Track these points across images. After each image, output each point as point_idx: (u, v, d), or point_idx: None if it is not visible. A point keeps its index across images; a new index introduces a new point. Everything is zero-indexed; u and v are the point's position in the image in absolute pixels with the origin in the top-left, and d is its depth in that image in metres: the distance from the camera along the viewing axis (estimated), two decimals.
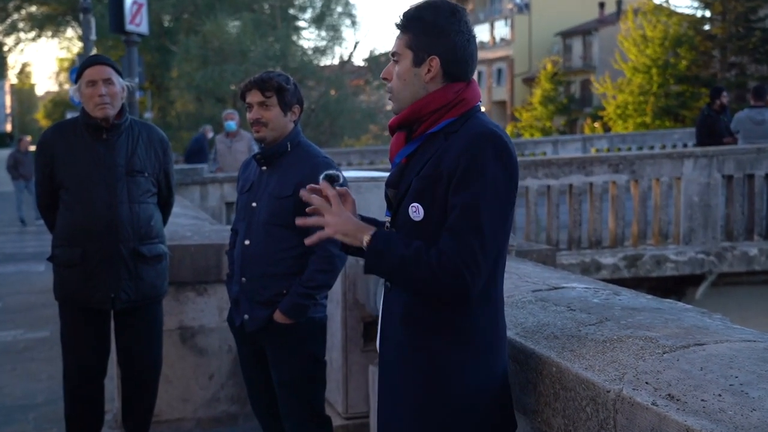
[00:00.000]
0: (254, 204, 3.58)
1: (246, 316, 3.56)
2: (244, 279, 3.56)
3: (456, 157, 2.13)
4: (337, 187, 2.31)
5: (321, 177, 2.34)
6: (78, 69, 4.11)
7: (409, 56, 2.24)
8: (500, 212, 2.14)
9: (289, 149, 3.57)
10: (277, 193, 3.52)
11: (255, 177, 3.64)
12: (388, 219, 2.32)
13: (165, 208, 4.32)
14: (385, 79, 2.31)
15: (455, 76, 2.25)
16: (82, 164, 3.99)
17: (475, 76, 2.35)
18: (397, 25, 2.28)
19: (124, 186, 3.99)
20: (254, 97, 3.53)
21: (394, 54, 2.27)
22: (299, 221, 2.29)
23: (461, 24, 2.24)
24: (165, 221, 4.36)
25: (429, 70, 2.23)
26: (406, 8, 2.29)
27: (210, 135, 15.84)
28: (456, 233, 2.11)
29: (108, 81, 4.00)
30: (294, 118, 3.60)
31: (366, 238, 2.19)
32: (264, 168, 3.61)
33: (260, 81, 3.53)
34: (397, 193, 2.28)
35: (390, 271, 2.20)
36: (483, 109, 2.31)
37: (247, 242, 3.56)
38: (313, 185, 2.33)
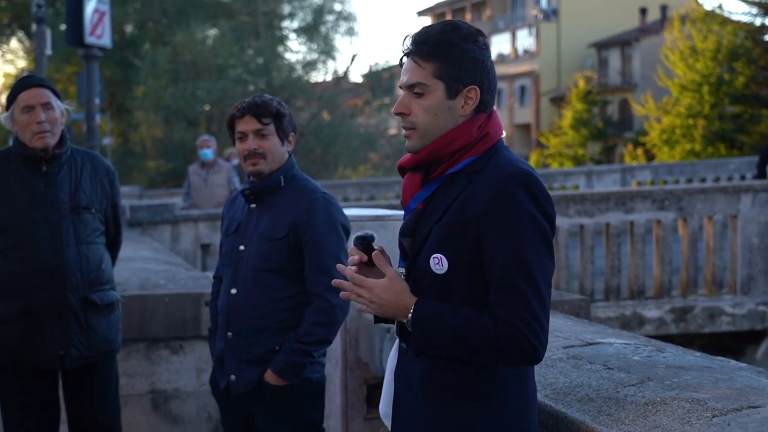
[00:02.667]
0: (242, 247, 3.66)
1: (232, 377, 3.64)
2: (230, 334, 3.64)
3: (485, 201, 2.21)
4: (375, 247, 2.39)
5: (354, 242, 2.41)
6: (10, 92, 4.13)
7: (441, 88, 2.30)
8: (547, 256, 2.23)
9: (282, 184, 3.66)
10: (268, 235, 3.61)
11: (243, 216, 3.73)
12: (402, 270, 2.40)
13: (113, 247, 4.35)
14: (401, 114, 2.35)
15: (487, 105, 2.34)
16: (20, 202, 4.02)
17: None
18: (413, 52, 2.32)
19: (69, 225, 4.03)
20: (249, 124, 3.62)
21: (414, 85, 2.31)
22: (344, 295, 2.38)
23: (486, 47, 2.34)
24: (113, 263, 4.37)
25: (466, 102, 2.31)
26: (417, 32, 2.33)
27: (235, 161, 13.68)
28: (506, 289, 2.19)
29: (47, 105, 4.02)
30: (290, 148, 3.71)
31: (408, 315, 2.27)
32: (253, 206, 3.70)
33: (255, 106, 3.61)
34: (413, 243, 2.35)
35: (444, 348, 2.27)
36: (504, 133, 2.38)
37: (233, 291, 3.65)
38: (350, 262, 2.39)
